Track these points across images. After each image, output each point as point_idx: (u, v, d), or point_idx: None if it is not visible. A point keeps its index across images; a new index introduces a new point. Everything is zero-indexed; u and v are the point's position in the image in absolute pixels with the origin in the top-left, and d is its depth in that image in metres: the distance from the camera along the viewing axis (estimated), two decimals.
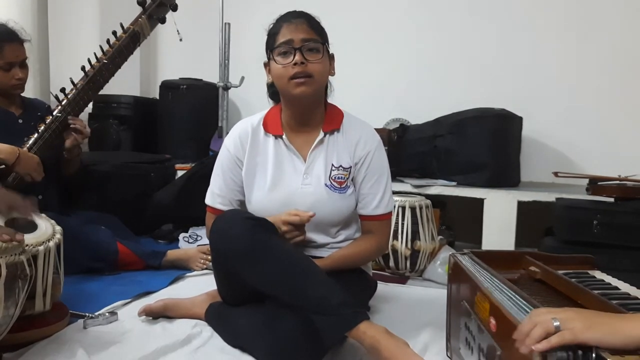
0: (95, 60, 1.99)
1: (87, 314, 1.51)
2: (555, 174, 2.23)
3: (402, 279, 2.13)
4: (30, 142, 1.87)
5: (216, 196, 1.54)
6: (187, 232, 2.56)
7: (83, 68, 1.97)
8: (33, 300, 1.33)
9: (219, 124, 3.00)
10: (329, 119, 1.52)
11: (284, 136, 1.50)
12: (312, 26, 1.42)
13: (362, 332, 1.16)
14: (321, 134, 1.49)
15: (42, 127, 1.90)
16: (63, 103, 1.95)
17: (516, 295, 0.96)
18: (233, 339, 1.39)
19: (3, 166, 1.75)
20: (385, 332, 1.16)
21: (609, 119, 2.73)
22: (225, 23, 2.91)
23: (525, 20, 2.87)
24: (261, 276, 1.27)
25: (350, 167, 1.50)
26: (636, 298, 1.01)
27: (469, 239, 2.60)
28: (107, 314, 1.53)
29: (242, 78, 2.88)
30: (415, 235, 2.12)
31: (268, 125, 1.52)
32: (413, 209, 2.14)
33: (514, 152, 2.64)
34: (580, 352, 0.73)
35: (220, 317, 1.46)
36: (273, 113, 1.55)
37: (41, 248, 1.32)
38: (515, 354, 0.80)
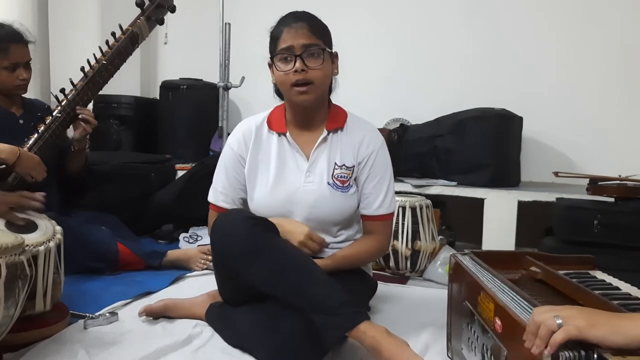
0: (94, 61, 1.99)
1: (87, 314, 1.51)
2: (556, 174, 2.23)
3: (402, 279, 2.13)
4: (30, 142, 1.87)
5: (219, 194, 1.54)
6: (187, 232, 2.56)
7: (82, 69, 1.97)
8: (33, 300, 1.33)
9: (219, 124, 2.99)
10: (332, 117, 1.52)
11: (287, 134, 1.50)
12: (313, 30, 1.41)
13: (362, 332, 1.16)
14: (325, 132, 1.50)
15: (42, 128, 1.90)
16: (63, 103, 1.95)
17: (517, 296, 0.96)
18: (234, 339, 1.39)
19: (3, 166, 1.75)
20: (385, 332, 1.16)
21: (609, 119, 2.73)
22: (225, 23, 2.91)
23: (525, 20, 2.87)
24: (262, 276, 1.27)
25: (354, 166, 1.50)
26: (637, 298, 1.01)
27: (469, 239, 2.60)
28: (107, 314, 1.53)
29: (243, 78, 2.87)
30: (415, 235, 2.12)
31: (272, 122, 1.53)
32: (413, 209, 2.14)
33: (514, 152, 2.64)
34: (583, 352, 0.73)
35: (221, 317, 1.46)
36: (277, 111, 1.55)
37: (41, 248, 1.32)
38: (522, 354, 0.80)
